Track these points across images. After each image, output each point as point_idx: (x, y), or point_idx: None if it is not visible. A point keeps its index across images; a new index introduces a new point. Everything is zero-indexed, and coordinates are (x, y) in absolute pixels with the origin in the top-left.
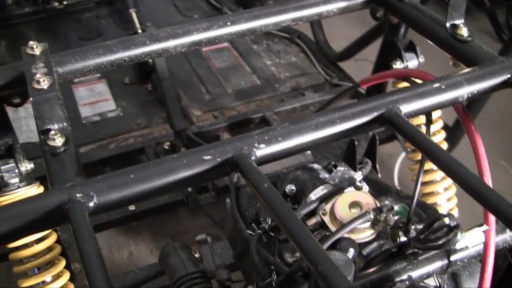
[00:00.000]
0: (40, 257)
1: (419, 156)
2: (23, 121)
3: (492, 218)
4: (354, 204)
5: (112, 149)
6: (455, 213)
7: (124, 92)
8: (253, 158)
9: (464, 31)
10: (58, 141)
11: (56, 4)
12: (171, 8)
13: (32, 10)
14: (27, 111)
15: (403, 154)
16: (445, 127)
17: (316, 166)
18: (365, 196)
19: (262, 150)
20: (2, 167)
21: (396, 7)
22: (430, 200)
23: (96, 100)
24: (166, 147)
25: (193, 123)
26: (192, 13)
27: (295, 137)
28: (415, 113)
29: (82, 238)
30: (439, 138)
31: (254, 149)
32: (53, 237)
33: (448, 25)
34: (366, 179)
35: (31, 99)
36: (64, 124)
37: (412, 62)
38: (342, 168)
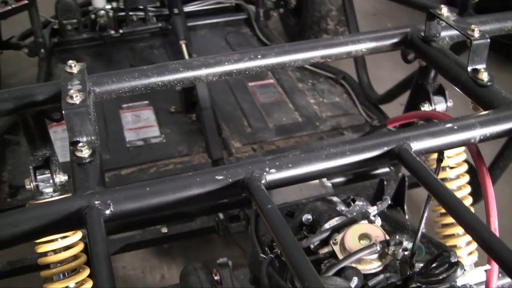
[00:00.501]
0: (66, 264)
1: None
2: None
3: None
4: (363, 236)
5: (151, 173)
6: (475, 257)
7: (169, 120)
8: (263, 181)
9: (484, 76)
10: (85, 152)
11: (112, 32)
12: (223, 43)
13: (90, 37)
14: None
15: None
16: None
17: (335, 199)
18: (375, 229)
19: (272, 175)
20: (38, 177)
21: (424, 50)
22: (450, 243)
23: (141, 126)
24: None
25: (232, 154)
26: (242, 48)
27: (305, 165)
28: (426, 151)
29: (95, 241)
30: (462, 181)
31: (265, 173)
32: (80, 247)
33: (469, 69)
34: (383, 215)
35: (63, 112)
36: (93, 137)
37: (440, 105)
38: (361, 203)
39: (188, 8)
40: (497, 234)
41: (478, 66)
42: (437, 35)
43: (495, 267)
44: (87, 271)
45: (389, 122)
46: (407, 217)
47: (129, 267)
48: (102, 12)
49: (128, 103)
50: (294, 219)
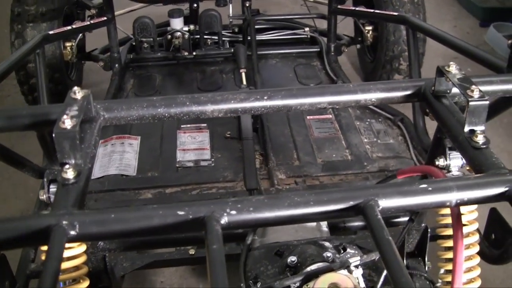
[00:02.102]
0: (67, 273)
1: (445, 254)
2: (118, 155)
3: None
4: (333, 285)
5: (193, 195)
6: None
7: (222, 145)
8: (222, 221)
9: (479, 138)
10: (70, 174)
11: (186, 53)
12: (291, 73)
13: (164, 56)
14: (123, 146)
15: None
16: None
17: (327, 244)
18: (346, 280)
19: (232, 217)
20: (51, 189)
21: (433, 105)
22: None
23: (194, 148)
24: None
25: (273, 185)
26: (309, 81)
27: (266, 211)
28: (395, 210)
29: (51, 259)
30: (471, 240)
31: (225, 214)
32: (82, 259)
33: (466, 129)
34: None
35: (53, 134)
36: (79, 161)
37: (455, 161)
38: (352, 251)
39: (263, 37)
40: None
41: (476, 128)
42: (448, 91)
43: None
44: (86, 282)
45: (399, 173)
46: (427, 268)
47: (167, 282)
48: (178, 33)
49: (187, 124)
50: (282, 259)
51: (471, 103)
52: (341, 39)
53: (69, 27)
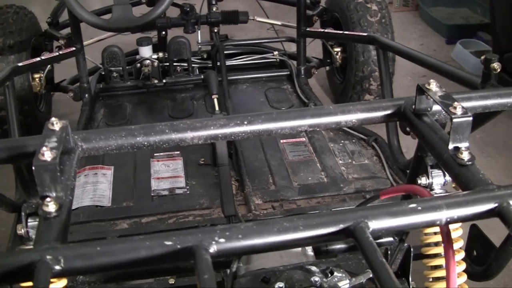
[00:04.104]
0: None
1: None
2: (91, 186)
3: None
4: None
5: (169, 224)
6: None
7: (196, 172)
8: (210, 250)
9: (464, 155)
10: (51, 207)
11: (155, 81)
12: (262, 98)
13: (133, 85)
14: (96, 176)
15: None
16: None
17: (313, 268)
18: None
19: (221, 245)
20: (29, 223)
21: (414, 123)
22: None
23: (169, 176)
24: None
25: (251, 210)
26: (281, 105)
27: (255, 238)
28: (385, 231)
29: None
30: (458, 257)
31: (213, 242)
32: None
33: (450, 147)
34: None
35: (33, 167)
36: (61, 193)
37: (437, 179)
38: (339, 274)
39: (232, 62)
40: None
41: (460, 145)
42: (428, 109)
43: None
44: None
45: (382, 193)
46: (413, 286)
47: None
48: (148, 61)
49: (160, 152)
50: (268, 286)
51: (454, 120)
52: (311, 61)
53: (38, 59)
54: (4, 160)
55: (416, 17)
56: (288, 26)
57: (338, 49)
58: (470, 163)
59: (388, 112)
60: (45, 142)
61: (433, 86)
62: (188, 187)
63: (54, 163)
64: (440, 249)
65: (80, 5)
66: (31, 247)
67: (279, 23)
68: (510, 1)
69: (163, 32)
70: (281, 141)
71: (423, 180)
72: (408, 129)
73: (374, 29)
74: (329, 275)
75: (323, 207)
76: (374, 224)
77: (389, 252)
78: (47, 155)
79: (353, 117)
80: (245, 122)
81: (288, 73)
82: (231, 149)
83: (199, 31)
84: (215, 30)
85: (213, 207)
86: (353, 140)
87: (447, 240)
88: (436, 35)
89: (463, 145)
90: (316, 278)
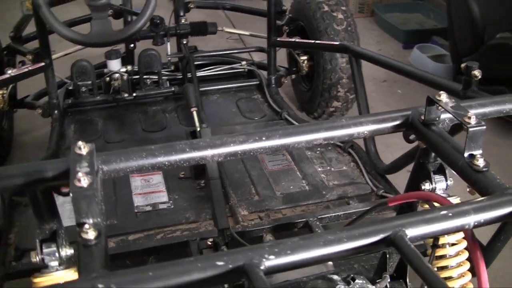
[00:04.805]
0: None
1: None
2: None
3: None
4: None
5: (158, 240)
6: None
7: (178, 186)
8: (262, 267)
9: (480, 162)
10: (91, 234)
11: (126, 95)
12: (234, 108)
13: (103, 99)
14: None
15: None
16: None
17: (335, 277)
18: None
19: (271, 261)
20: (44, 250)
21: (424, 133)
22: None
23: (150, 191)
24: (209, 243)
25: (238, 222)
26: (252, 115)
27: (303, 252)
28: (421, 237)
29: None
30: (462, 258)
31: (264, 260)
32: None
33: (466, 154)
34: None
35: (71, 194)
36: (98, 219)
37: (440, 184)
38: (360, 281)
39: (201, 73)
40: None
41: (475, 152)
42: (437, 118)
43: None
44: None
45: (389, 200)
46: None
47: None
48: (117, 75)
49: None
50: None
51: (470, 129)
52: (279, 70)
53: (6, 75)
54: (20, 186)
55: (372, 23)
56: (257, 36)
57: (304, 58)
58: (486, 169)
59: (397, 122)
60: (77, 167)
61: (444, 97)
62: (171, 201)
63: (92, 188)
64: (445, 251)
65: (58, 20)
66: (50, 274)
67: (247, 33)
68: (466, 8)
69: (132, 45)
70: None
71: (426, 186)
72: (411, 137)
73: (341, 37)
74: (351, 283)
75: (310, 215)
76: (411, 232)
77: (387, 256)
78: (84, 180)
79: (365, 129)
80: (263, 138)
81: (258, 82)
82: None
83: (168, 43)
84: (184, 42)
85: (200, 221)
86: (329, 148)
87: (473, 243)
88: (392, 41)
89: (478, 152)
90: (342, 286)
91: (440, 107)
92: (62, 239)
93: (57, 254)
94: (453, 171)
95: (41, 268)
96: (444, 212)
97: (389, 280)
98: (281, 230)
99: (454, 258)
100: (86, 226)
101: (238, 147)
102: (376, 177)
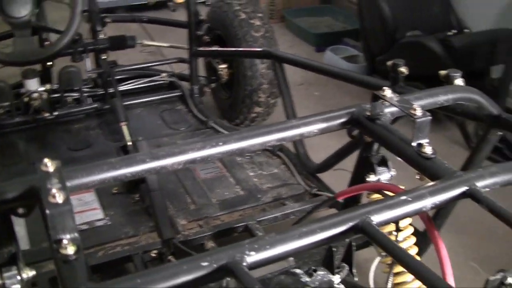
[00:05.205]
0: None
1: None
2: None
3: None
4: None
5: (100, 257)
6: None
7: (112, 202)
8: (244, 264)
9: (428, 150)
10: (70, 250)
11: (46, 114)
12: (159, 121)
13: (23, 120)
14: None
15: (377, 259)
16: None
17: (298, 271)
18: None
19: (253, 257)
20: (4, 274)
21: (369, 127)
22: None
23: (84, 209)
24: (153, 255)
25: (179, 232)
26: (178, 126)
27: (280, 245)
28: (385, 222)
29: None
30: (409, 243)
31: (245, 256)
32: None
33: (414, 144)
34: (343, 282)
35: (47, 211)
36: (75, 234)
37: (384, 175)
38: (322, 273)
39: (123, 88)
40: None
41: (422, 141)
42: (381, 113)
43: None
44: None
45: (338, 195)
46: (355, 278)
47: None
48: (36, 94)
49: (87, 190)
50: None
51: (417, 120)
52: (199, 80)
53: None
54: None
55: (283, 28)
56: (176, 48)
57: (223, 66)
58: (434, 156)
59: (344, 120)
60: (47, 185)
61: (388, 92)
62: (107, 217)
63: (68, 204)
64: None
65: None
66: None
67: (167, 45)
68: (377, 9)
69: (50, 63)
70: None
71: (371, 178)
72: (354, 133)
73: (260, 43)
74: (313, 274)
75: (248, 219)
76: (377, 218)
77: (333, 250)
78: (59, 197)
79: (315, 127)
80: (220, 143)
81: (180, 93)
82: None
83: (87, 59)
84: (103, 57)
85: (140, 234)
86: (259, 152)
87: (430, 224)
88: (304, 44)
89: (425, 141)
90: (306, 279)
91: (384, 102)
92: (22, 262)
93: (18, 277)
94: (402, 160)
95: None
96: (404, 197)
97: (347, 268)
98: (222, 236)
99: (403, 243)
100: (65, 241)
101: (197, 154)
102: (308, 177)
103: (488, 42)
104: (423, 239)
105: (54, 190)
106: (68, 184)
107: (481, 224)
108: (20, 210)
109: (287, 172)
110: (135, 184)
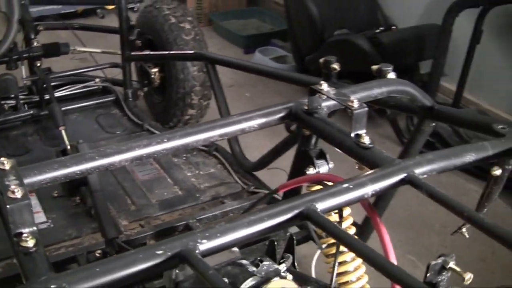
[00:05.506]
0: None
1: (332, 250)
2: None
3: None
4: None
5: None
6: None
7: (53, 205)
8: (197, 251)
9: (366, 140)
10: (30, 242)
11: None
12: (95, 125)
13: None
14: None
15: (318, 252)
16: (355, 225)
17: (244, 261)
18: (290, 284)
19: (205, 245)
20: None
21: (308, 121)
22: (344, 279)
23: None
24: (98, 254)
25: (121, 232)
26: (114, 130)
27: (231, 233)
28: (329, 209)
29: None
30: (351, 232)
31: (198, 244)
32: None
33: (352, 135)
34: (289, 271)
35: (7, 206)
36: (34, 228)
37: (323, 168)
38: (267, 263)
39: (57, 94)
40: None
41: (360, 132)
42: (318, 106)
43: None
44: None
45: (280, 188)
46: (297, 270)
47: None
48: None
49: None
50: None
51: (355, 111)
52: (132, 84)
53: None
54: None
55: (211, 31)
56: (108, 53)
57: (155, 70)
58: (372, 145)
59: (282, 114)
60: (5, 181)
61: (325, 86)
62: (50, 220)
63: (26, 198)
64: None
65: None
66: None
67: (99, 50)
68: (305, 9)
69: None
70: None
71: (311, 171)
72: (292, 128)
73: (191, 46)
74: (259, 264)
75: (188, 218)
76: (321, 206)
77: (275, 243)
78: (17, 192)
79: (255, 122)
80: (165, 140)
81: (114, 98)
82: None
83: (23, 67)
84: (38, 64)
85: (83, 235)
86: (194, 153)
87: (371, 210)
88: (233, 47)
89: (362, 131)
90: (253, 269)
91: (322, 95)
92: None
93: None
94: (341, 151)
95: None
96: (346, 185)
97: (291, 259)
98: (163, 235)
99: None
100: (25, 234)
101: (143, 150)
102: (245, 175)
103: (415, 38)
104: (361, 231)
105: (12, 186)
106: (25, 181)
107: (418, 218)
108: None
109: (224, 171)
110: (75, 187)
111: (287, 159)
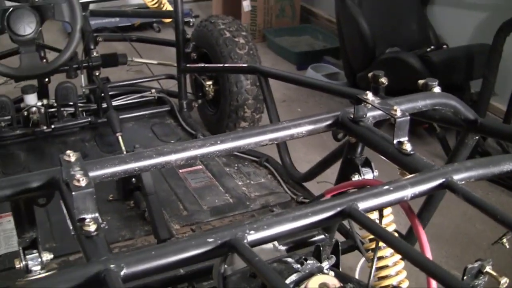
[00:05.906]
0: None
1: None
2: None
3: (433, 284)
4: (323, 285)
5: None
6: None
7: (108, 208)
8: (245, 241)
9: (407, 146)
10: (92, 227)
11: (44, 127)
12: (150, 134)
13: (23, 133)
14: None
15: (362, 260)
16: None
17: (289, 259)
18: (332, 279)
19: (252, 236)
20: (27, 257)
21: (353, 129)
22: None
23: None
24: None
25: (173, 235)
26: (169, 138)
27: (277, 226)
28: (370, 209)
29: None
30: (390, 229)
31: (246, 235)
32: None
33: (395, 142)
34: (331, 270)
35: (73, 193)
36: (96, 214)
37: (368, 175)
38: (311, 261)
39: (114, 103)
40: None
41: (402, 139)
42: (364, 116)
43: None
44: None
45: (326, 192)
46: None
47: None
48: (34, 108)
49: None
50: (257, 279)
51: (397, 120)
52: (187, 96)
53: None
54: (7, 197)
55: (264, 47)
56: (165, 65)
57: (209, 82)
58: (413, 152)
59: (329, 122)
60: (71, 171)
61: (370, 96)
62: (105, 222)
63: (90, 186)
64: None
65: None
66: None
67: (155, 62)
68: (356, 27)
69: (47, 79)
70: (180, 170)
71: (356, 178)
72: (339, 136)
73: (244, 60)
74: (304, 263)
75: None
76: (362, 205)
77: (321, 249)
78: (82, 180)
79: (303, 129)
80: (218, 142)
81: (169, 108)
82: (140, 183)
83: (82, 75)
84: (97, 74)
85: (135, 237)
86: (246, 163)
87: (411, 212)
88: (286, 63)
89: (404, 139)
90: (298, 266)
91: (367, 105)
92: (40, 246)
93: (39, 259)
94: (384, 158)
95: (26, 273)
96: (386, 187)
97: (334, 260)
98: None
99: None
100: (88, 220)
101: (198, 151)
102: (294, 186)
103: (466, 57)
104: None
105: (78, 175)
106: (90, 174)
107: (465, 235)
108: (41, 200)
109: (274, 181)
110: (130, 191)
111: (336, 173)
